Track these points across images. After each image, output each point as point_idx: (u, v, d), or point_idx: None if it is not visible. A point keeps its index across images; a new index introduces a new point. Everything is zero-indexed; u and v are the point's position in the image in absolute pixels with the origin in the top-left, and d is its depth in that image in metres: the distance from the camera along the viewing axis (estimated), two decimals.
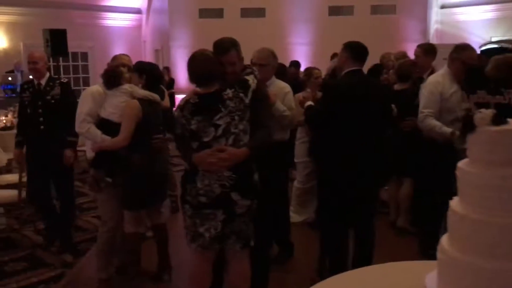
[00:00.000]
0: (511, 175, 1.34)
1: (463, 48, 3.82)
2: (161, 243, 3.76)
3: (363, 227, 3.56)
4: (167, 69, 11.07)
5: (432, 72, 4.46)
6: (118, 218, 3.60)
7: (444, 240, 1.50)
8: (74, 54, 12.47)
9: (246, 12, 11.68)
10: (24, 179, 4.57)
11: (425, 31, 11.95)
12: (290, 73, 7.16)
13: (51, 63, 12.24)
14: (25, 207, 4.71)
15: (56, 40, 9.75)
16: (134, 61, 11.65)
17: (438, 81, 3.82)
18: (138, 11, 13.67)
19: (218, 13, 11.72)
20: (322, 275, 3.51)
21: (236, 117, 2.65)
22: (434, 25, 12.33)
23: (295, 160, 4.81)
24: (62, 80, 4.35)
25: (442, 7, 12.24)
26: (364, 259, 3.50)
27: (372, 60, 4.32)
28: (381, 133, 3.49)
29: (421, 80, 4.63)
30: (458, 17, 11.95)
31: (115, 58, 3.96)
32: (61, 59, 10.70)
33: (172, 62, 11.83)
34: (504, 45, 10.04)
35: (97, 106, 3.50)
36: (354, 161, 3.29)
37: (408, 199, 4.60)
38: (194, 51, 2.78)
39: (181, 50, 11.76)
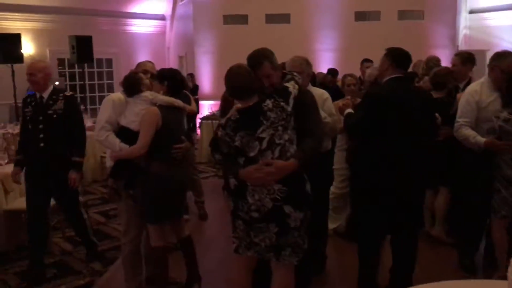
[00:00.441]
0: None
1: (503, 56, 3.67)
2: (189, 255, 3.60)
3: (403, 240, 3.41)
4: (191, 75, 11.05)
5: (470, 81, 4.35)
6: (140, 229, 3.51)
7: None
8: (99, 61, 12.57)
9: (271, 18, 11.60)
10: None
11: (453, 36, 11.71)
12: (327, 81, 7.13)
13: (76, 69, 12.48)
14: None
15: (82, 47, 9.84)
16: (158, 68, 11.70)
17: (476, 90, 3.73)
18: (162, 18, 13.73)
19: (242, 19, 11.67)
20: None
21: (280, 128, 2.57)
22: (462, 30, 12.07)
23: (333, 167, 4.67)
24: (66, 93, 3.92)
25: (471, 12, 11.98)
26: (403, 275, 3.37)
27: None
28: (424, 142, 3.34)
29: (457, 89, 4.49)
30: (487, 22, 11.68)
31: (139, 65, 3.84)
32: (86, 65, 10.77)
33: (196, 68, 11.81)
34: None
35: (117, 114, 3.40)
36: (394, 170, 3.17)
37: (444, 209, 4.43)
38: (231, 66, 2.72)
39: (205, 56, 11.74)
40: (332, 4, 11.50)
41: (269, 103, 2.59)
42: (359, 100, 3.88)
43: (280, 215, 2.55)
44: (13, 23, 11.03)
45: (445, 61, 5.82)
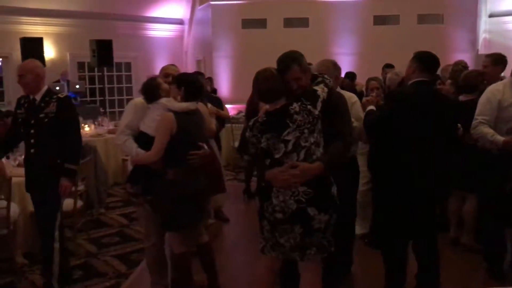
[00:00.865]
0: None
1: None
2: (207, 262, 3.57)
3: (423, 244, 3.38)
4: (210, 79, 11.09)
5: None
6: (161, 234, 3.50)
7: None
8: (118, 64, 12.68)
9: (290, 22, 11.60)
10: (80, 188, 4.59)
11: (474, 40, 11.58)
12: (345, 85, 7.11)
13: (96, 73, 12.62)
14: (78, 216, 4.69)
15: (102, 51, 9.96)
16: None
17: (498, 89, 3.73)
18: (180, 22, 13.82)
19: (261, 23, 11.69)
20: None
21: (306, 131, 2.60)
22: (482, 34, 11.94)
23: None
24: (59, 95, 3.61)
25: (491, 15, 11.85)
26: (429, 280, 3.34)
27: None
28: (444, 150, 3.28)
29: None
30: (507, 26, 11.54)
31: (162, 69, 3.79)
32: (105, 69, 10.89)
33: (215, 72, 11.85)
34: None
35: (139, 119, 3.38)
36: (411, 174, 3.15)
37: (473, 216, 4.37)
38: (259, 70, 2.75)
39: (223, 60, 11.78)
40: (351, 8, 11.46)
41: (296, 106, 2.61)
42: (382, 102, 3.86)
43: (304, 217, 2.58)
44: (35, 28, 11.19)
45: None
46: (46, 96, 3.57)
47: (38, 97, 3.56)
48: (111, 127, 7.91)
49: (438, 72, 5.64)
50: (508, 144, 3.45)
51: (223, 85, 11.72)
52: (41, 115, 3.49)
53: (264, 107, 2.76)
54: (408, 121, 3.16)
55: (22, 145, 3.90)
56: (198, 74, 5.97)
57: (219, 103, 5.78)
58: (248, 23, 11.71)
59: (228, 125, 8.61)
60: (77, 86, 11.20)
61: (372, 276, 3.88)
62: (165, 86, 3.41)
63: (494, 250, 3.93)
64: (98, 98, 12.76)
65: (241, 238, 5.04)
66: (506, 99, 3.65)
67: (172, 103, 3.25)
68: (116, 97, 13.41)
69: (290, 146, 2.59)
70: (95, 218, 5.46)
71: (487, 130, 3.63)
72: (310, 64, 3.40)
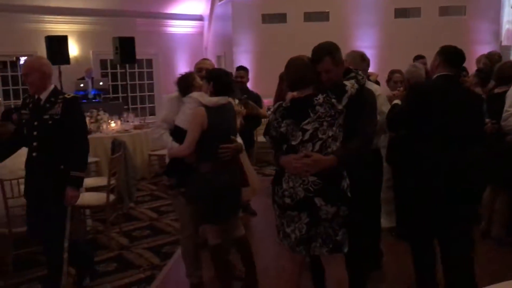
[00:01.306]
0: None
1: None
2: (245, 256, 3.61)
3: (454, 237, 3.31)
4: (230, 74, 11.17)
5: None
6: (196, 226, 3.58)
7: None
8: (139, 61, 12.81)
9: (310, 16, 11.59)
10: (112, 182, 4.70)
11: (497, 32, 11.42)
12: None
13: (118, 70, 12.78)
14: (110, 210, 4.79)
15: (125, 48, 10.08)
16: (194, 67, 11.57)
17: None
18: (200, 18, 13.89)
19: (281, 18, 11.70)
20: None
21: (325, 123, 2.63)
22: (505, 25, 11.76)
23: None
24: (66, 96, 3.35)
25: None
26: (462, 273, 3.31)
27: None
28: (468, 145, 3.21)
29: None
30: None
31: (197, 63, 3.85)
32: (127, 66, 11.02)
33: (235, 68, 11.90)
34: None
35: (174, 113, 3.47)
36: (432, 169, 3.12)
37: (505, 212, 4.34)
38: (291, 57, 2.79)
39: (244, 55, 11.82)
40: (372, 1, 11.40)
41: (320, 97, 2.64)
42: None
43: (311, 206, 2.62)
44: (60, 26, 11.38)
45: None
46: (52, 96, 3.32)
47: (43, 96, 3.32)
48: (136, 122, 8.03)
49: (466, 63, 5.61)
50: None
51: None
52: (45, 117, 3.25)
53: (291, 94, 2.80)
54: (430, 115, 3.14)
55: None
56: (241, 68, 5.99)
57: (258, 100, 5.75)
58: (268, 18, 11.74)
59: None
60: (101, 83, 11.37)
61: (403, 267, 3.90)
62: (199, 80, 3.48)
63: None
64: (120, 94, 12.95)
65: (268, 231, 5.08)
66: None
67: (203, 97, 3.32)
68: (138, 94, 13.56)
69: (307, 136, 2.64)
70: (125, 212, 5.57)
71: None
72: None
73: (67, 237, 3.37)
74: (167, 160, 3.67)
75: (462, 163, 3.09)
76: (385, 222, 4.74)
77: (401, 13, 11.46)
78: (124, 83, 11.66)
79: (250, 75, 6.16)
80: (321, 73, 2.71)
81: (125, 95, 11.40)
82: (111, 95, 12.48)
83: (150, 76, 13.73)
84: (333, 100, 2.63)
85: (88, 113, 7.50)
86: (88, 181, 5.38)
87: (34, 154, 3.31)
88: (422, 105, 3.18)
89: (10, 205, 3.80)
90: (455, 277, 3.26)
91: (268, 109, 9.47)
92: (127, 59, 10.25)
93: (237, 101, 4.90)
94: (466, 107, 3.17)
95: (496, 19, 11.48)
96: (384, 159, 4.42)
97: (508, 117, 3.67)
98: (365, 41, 11.07)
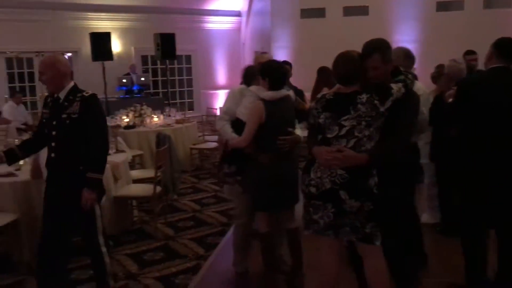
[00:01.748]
0: None
1: None
2: (293, 248, 3.66)
3: (507, 231, 3.29)
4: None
5: None
6: (251, 215, 3.66)
7: None
8: (179, 57, 13.04)
9: (349, 11, 11.52)
10: (158, 174, 4.84)
11: None
12: None
13: (159, 66, 13.03)
14: (157, 201, 4.94)
15: (166, 44, 10.29)
16: (232, 63, 11.80)
17: None
18: (238, 14, 14.00)
19: (320, 12, 11.67)
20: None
21: (364, 123, 2.64)
22: None
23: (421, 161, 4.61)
24: (84, 94, 3.18)
25: None
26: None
27: None
28: None
29: None
30: None
31: (256, 57, 3.92)
32: (167, 61, 11.22)
33: None
34: None
35: (235, 105, 3.59)
36: (487, 159, 3.09)
37: None
38: (341, 52, 2.79)
39: (282, 51, 11.85)
40: None
41: (364, 96, 2.64)
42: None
43: (336, 198, 2.65)
44: (103, 23, 11.72)
45: None
46: (70, 95, 3.18)
47: (62, 95, 3.19)
48: (178, 117, 8.20)
49: None
50: None
51: None
52: (63, 116, 3.14)
53: (326, 90, 2.84)
54: (478, 109, 3.11)
55: None
56: (285, 63, 6.03)
57: (301, 95, 5.79)
58: (307, 13, 11.73)
59: None
60: (142, 79, 11.64)
61: (446, 263, 3.88)
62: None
63: None
64: (160, 90, 13.22)
65: None
66: None
67: (261, 91, 3.41)
68: (177, 89, 13.81)
69: (343, 131, 2.66)
70: (169, 204, 5.71)
71: None
72: None
73: (100, 232, 3.28)
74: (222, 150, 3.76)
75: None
76: (429, 218, 4.71)
77: (443, 6, 11.23)
78: (165, 78, 11.90)
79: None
80: (368, 69, 2.72)
81: (166, 90, 11.63)
82: (151, 91, 12.76)
83: (188, 71, 13.95)
84: (376, 102, 2.63)
85: (132, 108, 7.72)
86: (134, 173, 5.56)
87: (52, 154, 3.20)
88: (468, 100, 3.15)
89: None
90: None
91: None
92: (168, 55, 10.46)
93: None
94: None
95: None
96: (428, 156, 4.38)
97: None
98: (405, 35, 10.91)
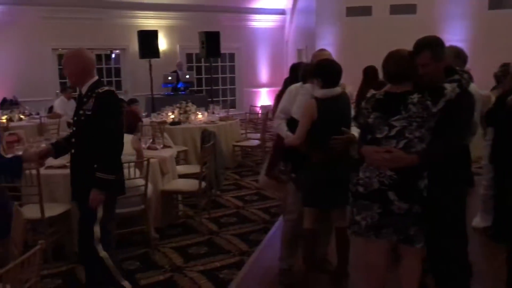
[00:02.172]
0: None
1: None
2: (341, 247, 3.61)
3: None
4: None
5: None
6: (301, 212, 3.66)
7: None
8: (222, 55, 13.17)
9: (396, 9, 11.28)
10: (204, 170, 4.91)
11: None
12: None
13: (203, 64, 13.21)
14: (201, 196, 5.01)
15: (211, 42, 10.42)
16: (275, 61, 11.76)
17: None
18: (282, 12, 13.99)
19: (366, 10, 11.49)
20: None
21: (414, 123, 2.58)
22: None
23: (482, 162, 4.47)
24: (99, 90, 3.05)
25: None
26: None
27: None
28: None
29: None
30: None
31: (314, 55, 3.81)
32: (211, 59, 11.35)
33: None
34: None
35: (291, 104, 3.61)
36: None
37: None
38: (391, 50, 2.74)
39: (327, 49, 11.74)
40: None
41: (415, 97, 2.59)
42: None
43: (384, 199, 2.61)
44: (150, 21, 11.97)
45: None
46: (90, 90, 3.09)
47: (83, 90, 3.12)
48: (222, 114, 8.30)
49: None
50: None
51: None
52: (80, 112, 3.09)
53: (371, 91, 2.81)
54: None
55: None
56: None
57: None
58: (352, 11, 11.57)
59: None
60: (187, 76, 11.83)
61: (495, 269, 3.77)
62: None
63: None
64: (204, 87, 13.40)
65: None
66: None
67: (315, 89, 3.40)
68: (220, 87, 13.95)
69: (393, 132, 2.62)
70: (213, 199, 5.79)
71: None
72: None
73: (97, 240, 3.11)
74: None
75: None
76: (481, 221, 4.57)
77: (495, 3, 10.82)
78: (208, 76, 12.04)
79: None
80: (418, 66, 2.65)
81: (209, 88, 11.78)
82: (195, 88, 12.95)
83: (231, 69, 14.06)
84: (428, 102, 2.57)
85: (178, 105, 7.86)
86: (179, 169, 5.66)
87: (73, 151, 3.18)
88: None
89: None
90: None
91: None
92: (212, 53, 10.59)
93: None
94: None
95: None
96: (488, 159, 4.25)
97: None
98: (455, 34, 10.57)
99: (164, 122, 7.20)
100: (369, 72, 6.05)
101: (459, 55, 3.66)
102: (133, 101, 7.21)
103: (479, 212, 4.63)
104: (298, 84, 3.67)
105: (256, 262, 4.14)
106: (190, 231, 4.88)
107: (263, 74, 14.16)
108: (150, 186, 4.45)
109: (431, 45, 2.69)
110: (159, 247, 4.46)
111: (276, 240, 4.51)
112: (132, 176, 4.18)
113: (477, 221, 4.56)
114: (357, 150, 2.87)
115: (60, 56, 11.78)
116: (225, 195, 6.19)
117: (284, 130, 3.59)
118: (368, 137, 2.75)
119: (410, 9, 11.19)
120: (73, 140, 3.16)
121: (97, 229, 3.10)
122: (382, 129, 2.65)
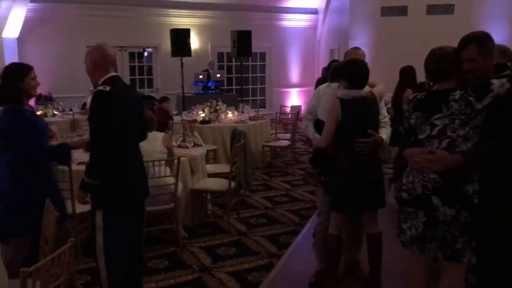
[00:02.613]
0: None
1: None
2: (374, 254, 3.50)
3: None
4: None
5: None
6: (329, 215, 3.55)
7: None
8: (253, 54, 13.10)
9: (433, 9, 10.98)
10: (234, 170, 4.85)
11: None
12: None
13: (233, 63, 13.18)
14: (231, 196, 4.96)
15: (242, 41, 10.35)
16: (306, 61, 11.64)
17: None
18: (314, 12, 13.84)
19: (401, 10, 11.23)
20: None
21: (457, 121, 2.43)
22: None
23: None
24: (97, 88, 2.89)
25: None
26: None
27: None
28: None
29: None
30: None
31: (347, 53, 3.69)
32: (242, 58, 11.29)
33: None
34: None
35: (318, 104, 3.54)
36: None
37: None
38: (434, 47, 2.62)
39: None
40: None
41: (457, 93, 2.45)
42: None
43: (428, 205, 2.48)
44: (182, 20, 12.02)
45: None
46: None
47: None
48: (252, 114, 8.24)
49: None
50: None
51: None
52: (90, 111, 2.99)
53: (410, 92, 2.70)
54: None
55: None
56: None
57: None
58: (387, 11, 11.33)
59: None
60: (218, 75, 11.82)
61: None
62: None
63: None
64: (234, 87, 13.37)
65: (390, 230, 4.93)
66: None
67: (339, 90, 3.31)
68: (250, 86, 13.91)
69: (435, 131, 2.49)
70: (241, 200, 5.73)
71: None
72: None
73: (99, 249, 3.12)
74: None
75: None
76: None
77: None
78: (239, 75, 11.99)
79: None
80: (463, 62, 2.49)
81: (240, 87, 11.74)
82: (225, 87, 12.94)
83: (262, 69, 13.99)
84: (471, 98, 2.42)
85: (208, 103, 7.85)
86: (208, 167, 5.63)
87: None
88: None
89: None
90: None
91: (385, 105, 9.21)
92: (243, 52, 10.52)
93: None
94: None
95: None
96: None
97: None
98: (494, 35, 10.06)
99: (195, 121, 7.19)
100: (406, 73, 5.89)
101: (505, 52, 3.49)
102: (164, 99, 7.24)
103: None
104: (326, 84, 3.58)
105: (286, 265, 4.06)
106: (218, 231, 4.84)
107: (294, 74, 14.04)
108: (180, 184, 4.42)
109: (477, 39, 2.53)
110: (188, 246, 4.43)
111: (306, 243, 4.43)
112: (163, 174, 4.16)
113: None
114: (402, 156, 2.72)
115: None
116: (254, 195, 6.13)
117: (311, 132, 3.54)
118: (412, 140, 2.65)
119: (448, 9, 10.88)
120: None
121: (99, 239, 3.06)
122: (424, 129, 2.54)
